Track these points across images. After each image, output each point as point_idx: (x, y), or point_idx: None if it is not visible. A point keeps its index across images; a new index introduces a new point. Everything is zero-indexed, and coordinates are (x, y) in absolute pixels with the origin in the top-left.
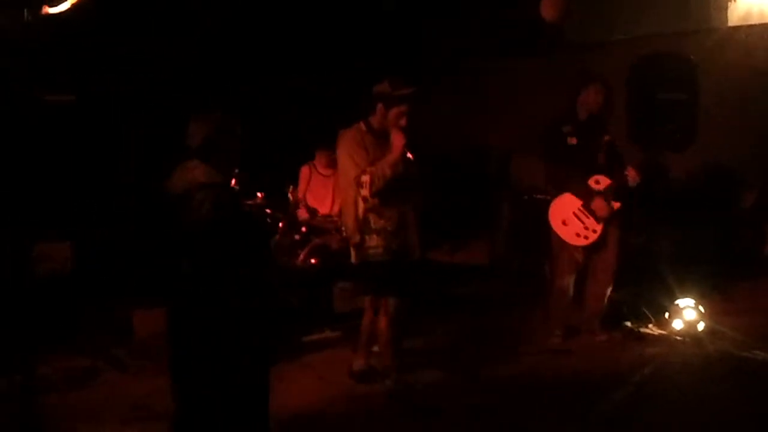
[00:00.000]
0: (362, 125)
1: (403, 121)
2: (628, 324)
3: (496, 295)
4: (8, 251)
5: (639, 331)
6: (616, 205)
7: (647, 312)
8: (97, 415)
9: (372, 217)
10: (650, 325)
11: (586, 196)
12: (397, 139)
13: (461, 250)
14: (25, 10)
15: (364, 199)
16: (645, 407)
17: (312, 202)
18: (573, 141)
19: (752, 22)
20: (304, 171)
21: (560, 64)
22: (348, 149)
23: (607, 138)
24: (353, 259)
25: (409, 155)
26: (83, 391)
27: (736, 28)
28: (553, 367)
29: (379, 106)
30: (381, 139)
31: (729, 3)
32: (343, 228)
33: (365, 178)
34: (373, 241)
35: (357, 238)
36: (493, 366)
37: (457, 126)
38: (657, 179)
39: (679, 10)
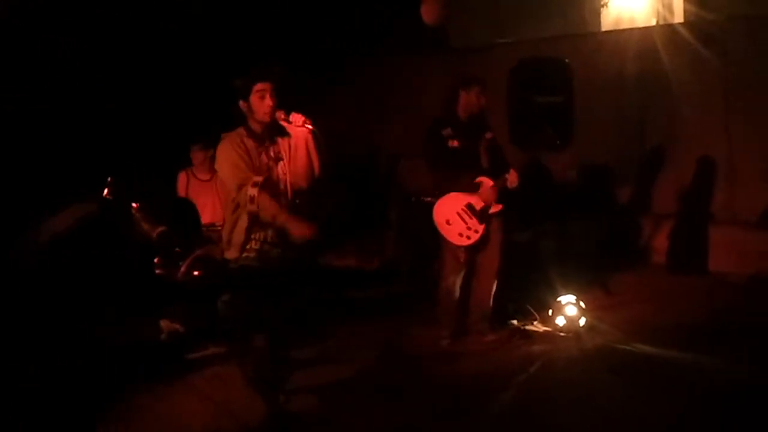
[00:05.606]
0: (242, 130)
1: (268, 101)
2: (515, 322)
3: (386, 299)
4: None
5: (525, 329)
6: (498, 207)
7: (532, 309)
8: None
9: (256, 230)
10: (535, 323)
11: (469, 196)
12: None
13: (352, 253)
14: None
15: (250, 214)
16: (533, 406)
17: None
18: (455, 143)
19: (623, 27)
20: (181, 178)
21: (444, 66)
22: (228, 156)
23: (489, 135)
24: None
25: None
26: None
27: (609, 33)
28: (442, 369)
29: (241, 102)
30: (264, 142)
31: (602, 9)
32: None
33: (253, 192)
34: (251, 252)
35: (235, 253)
36: (382, 371)
37: (350, 126)
38: (540, 179)
39: (557, 15)
